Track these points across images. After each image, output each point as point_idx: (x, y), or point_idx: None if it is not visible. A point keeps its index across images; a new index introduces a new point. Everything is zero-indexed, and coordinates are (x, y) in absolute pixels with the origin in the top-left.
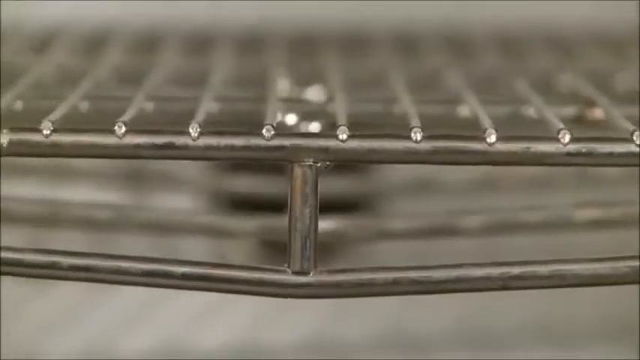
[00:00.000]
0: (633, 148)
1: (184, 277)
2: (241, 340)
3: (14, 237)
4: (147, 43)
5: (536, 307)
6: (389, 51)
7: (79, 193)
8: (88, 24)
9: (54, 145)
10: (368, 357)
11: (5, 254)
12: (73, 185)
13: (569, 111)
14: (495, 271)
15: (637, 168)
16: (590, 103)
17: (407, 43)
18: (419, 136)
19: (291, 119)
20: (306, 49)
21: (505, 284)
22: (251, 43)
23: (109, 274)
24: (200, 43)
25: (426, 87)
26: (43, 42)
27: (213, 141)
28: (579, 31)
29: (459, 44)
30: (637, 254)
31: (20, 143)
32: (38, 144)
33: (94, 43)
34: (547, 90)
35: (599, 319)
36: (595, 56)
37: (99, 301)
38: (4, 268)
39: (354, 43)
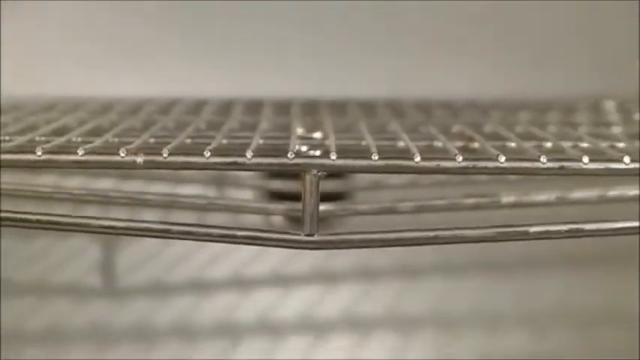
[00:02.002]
0: (498, 164)
1: (244, 237)
2: (275, 270)
3: (149, 216)
4: (223, 108)
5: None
6: (358, 112)
7: (186, 189)
8: (191, 97)
9: (169, 162)
10: (346, 280)
11: (140, 224)
12: (183, 185)
13: (460, 143)
14: (421, 234)
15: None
16: (471, 139)
17: (368, 108)
18: (376, 157)
19: (304, 148)
20: (311, 112)
21: (426, 241)
22: (281, 108)
23: (200, 236)
24: (253, 108)
25: (379, 131)
26: (167, 107)
27: (260, 160)
28: (462, 99)
29: (397, 110)
30: (503, 224)
31: (150, 162)
32: (161, 162)
33: (195, 108)
34: (447, 132)
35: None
36: (473, 114)
37: (194, 251)
38: (143, 233)
39: (338, 108)
